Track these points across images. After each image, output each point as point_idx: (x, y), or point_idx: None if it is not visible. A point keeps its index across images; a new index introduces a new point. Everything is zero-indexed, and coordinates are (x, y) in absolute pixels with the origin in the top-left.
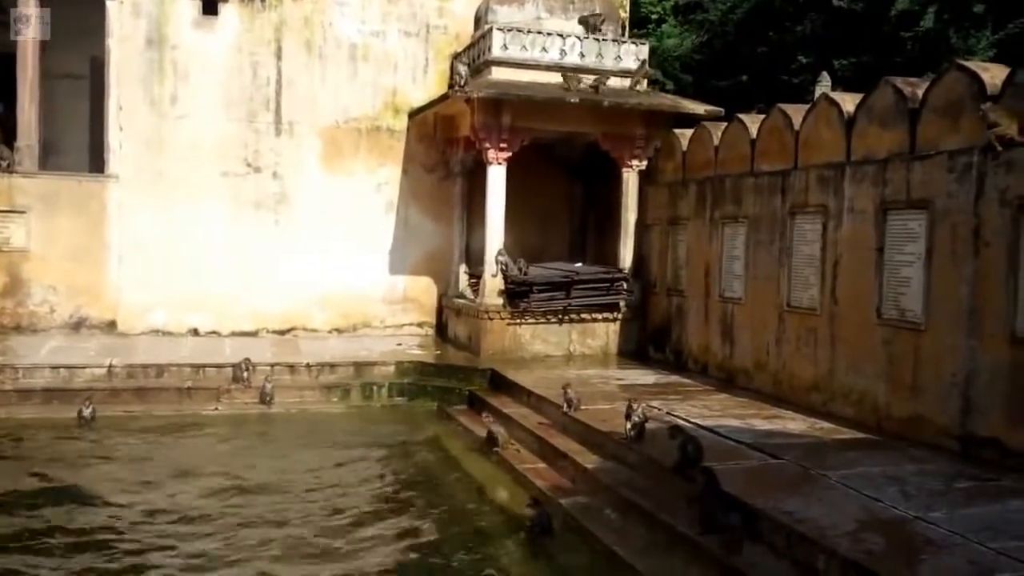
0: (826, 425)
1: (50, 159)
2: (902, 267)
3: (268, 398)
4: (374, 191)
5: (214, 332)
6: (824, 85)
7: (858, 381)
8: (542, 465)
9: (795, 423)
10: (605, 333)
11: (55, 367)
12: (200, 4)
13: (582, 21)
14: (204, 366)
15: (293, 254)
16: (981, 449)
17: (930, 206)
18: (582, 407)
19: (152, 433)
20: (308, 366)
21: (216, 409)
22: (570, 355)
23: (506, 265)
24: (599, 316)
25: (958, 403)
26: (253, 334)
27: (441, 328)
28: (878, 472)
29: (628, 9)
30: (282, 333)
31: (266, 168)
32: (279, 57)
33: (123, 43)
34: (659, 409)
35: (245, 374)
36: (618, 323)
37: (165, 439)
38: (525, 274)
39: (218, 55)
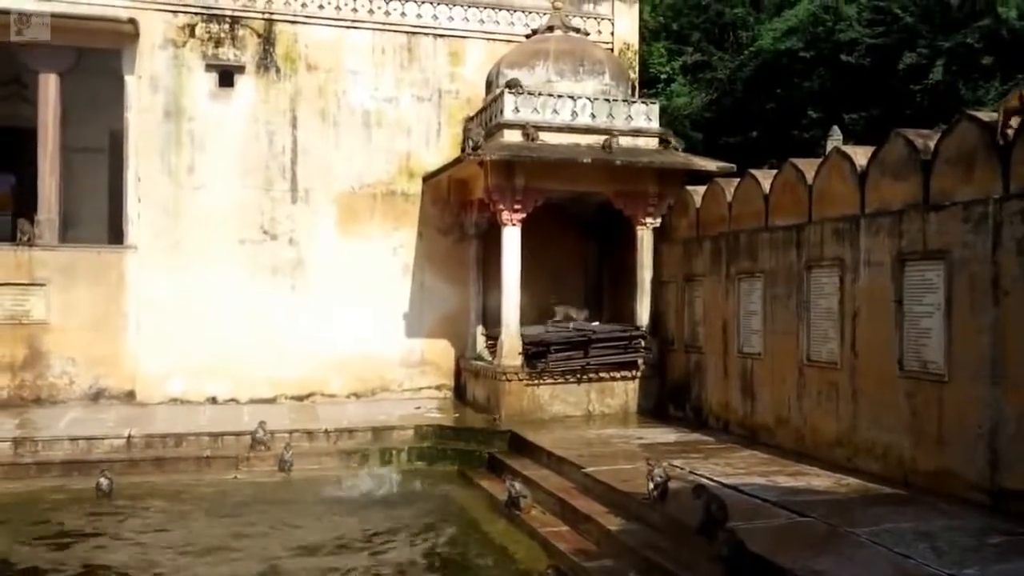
0: (852, 481)
1: (69, 231)
2: (922, 318)
3: (287, 465)
4: (390, 255)
5: (232, 399)
6: (835, 139)
7: (882, 435)
8: (564, 528)
9: (820, 479)
10: (624, 392)
11: (74, 439)
12: (217, 76)
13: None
14: (223, 434)
15: (310, 319)
16: (1011, 503)
17: (947, 256)
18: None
19: (170, 502)
20: (326, 432)
21: (235, 477)
22: (589, 415)
23: (568, 317)
24: (617, 375)
25: (985, 455)
26: (271, 400)
27: (459, 390)
28: (908, 528)
29: (638, 70)
30: (300, 399)
31: (282, 235)
32: (294, 126)
33: (141, 116)
34: (681, 468)
35: (264, 438)
36: (637, 381)
37: (184, 508)
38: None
39: (234, 125)
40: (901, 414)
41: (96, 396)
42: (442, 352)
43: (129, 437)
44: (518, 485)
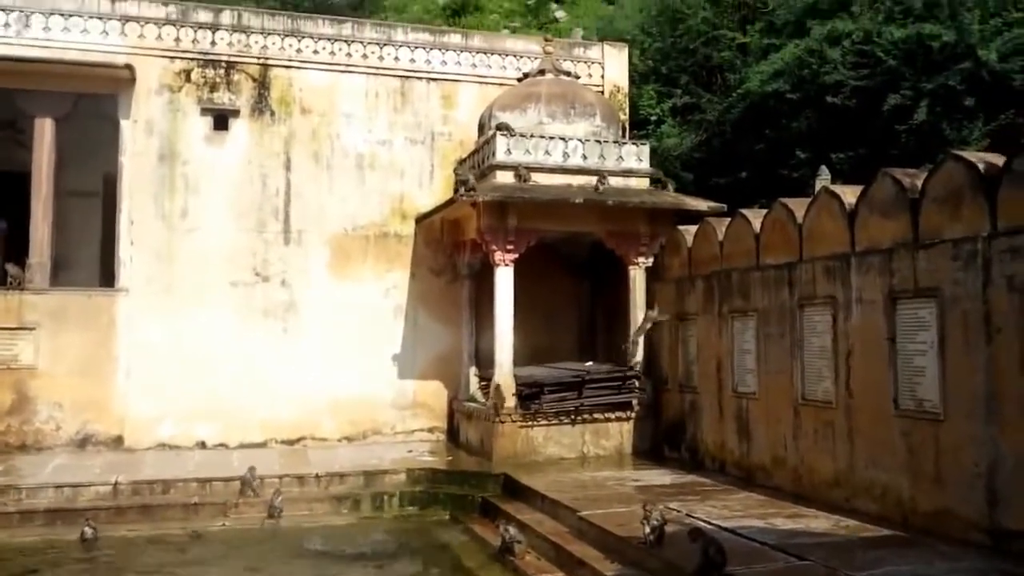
0: (851, 522)
1: (61, 274)
2: (915, 356)
3: (277, 512)
4: (382, 296)
5: (222, 444)
6: (823, 178)
7: (880, 475)
8: (560, 574)
9: (818, 521)
10: (619, 433)
11: (59, 486)
12: (212, 120)
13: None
14: (211, 480)
15: (301, 362)
16: (1012, 542)
17: (939, 294)
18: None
19: (156, 551)
20: (317, 477)
21: (223, 525)
22: (584, 457)
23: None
24: (612, 416)
25: (983, 495)
26: (262, 445)
27: (452, 433)
28: (908, 571)
29: (628, 112)
30: (291, 443)
31: (275, 277)
32: (288, 168)
33: (136, 160)
34: (678, 511)
35: (254, 482)
36: (631, 422)
37: (168, 557)
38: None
39: (228, 168)
40: (898, 454)
41: (83, 442)
42: (435, 394)
43: (116, 484)
44: (512, 530)
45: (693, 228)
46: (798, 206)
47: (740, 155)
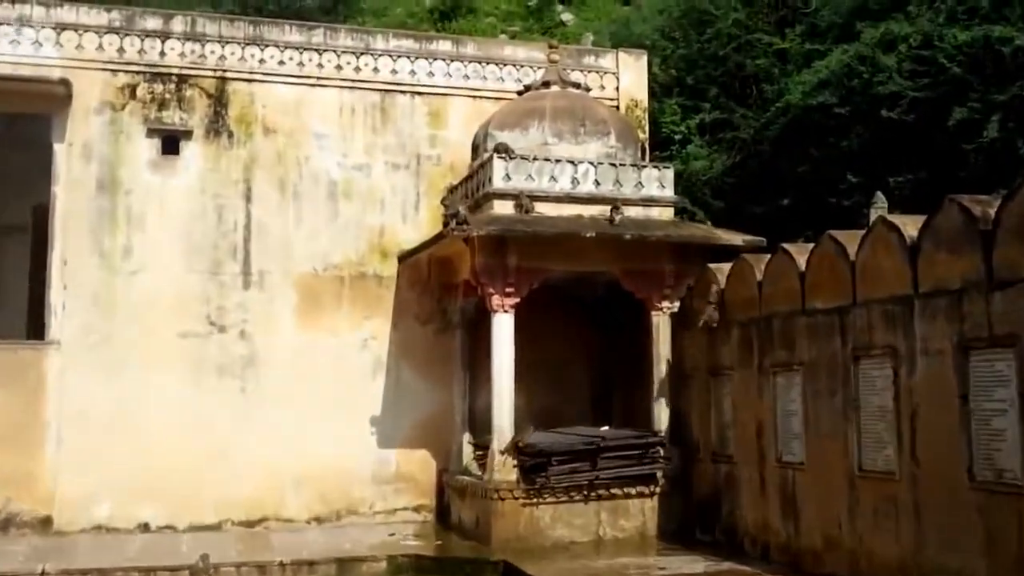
0: None
1: None
2: (993, 417)
3: None
4: (359, 349)
5: (169, 526)
6: (879, 207)
7: (953, 559)
8: None
9: None
10: (640, 511)
11: None
12: (160, 143)
13: None
14: (155, 569)
15: (263, 428)
16: None
17: (1018, 343)
18: None
19: None
20: (282, 565)
21: None
22: (600, 540)
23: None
24: (632, 491)
25: None
26: (216, 527)
27: (442, 512)
28: None
29: (648, 130)
30: (250, 525)
31: (232, 326)
32: (248, 199)
33: (71, 189)
34: None
35: (207, 572)
36: (655, 498)
37: None
38: None
39: (179, 199)
40: (974, 533)
41: (4, 524)
42: (421, 465)
43: (42, 573)
44: None
45: (727, 266)
46: (850, 240)
47: (780, 179)
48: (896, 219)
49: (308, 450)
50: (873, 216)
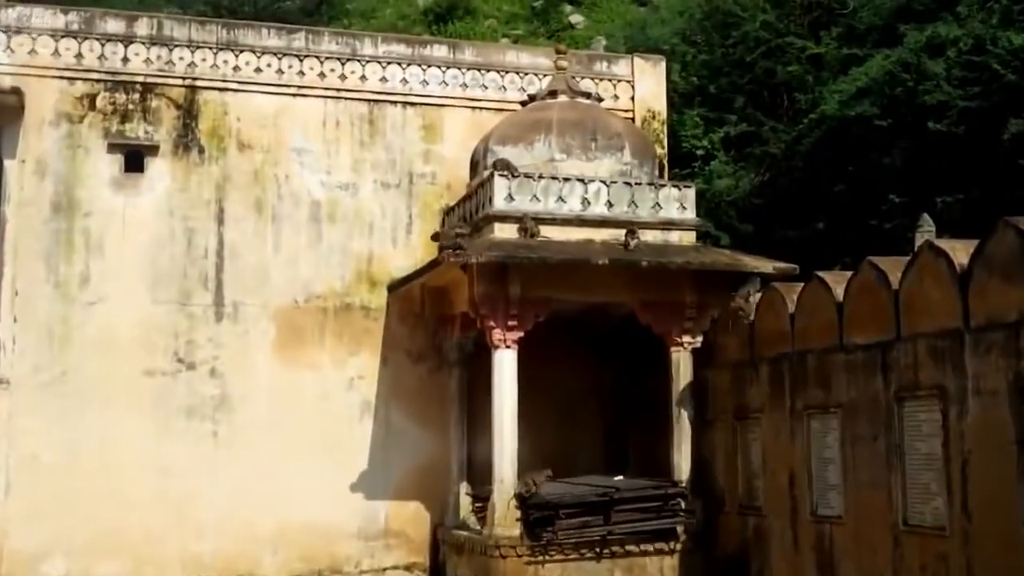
0: None
1: None
2: None
3: None
4: (344, 389)
5: None
6: (926, 230)
7: None
8: None
9: None
10: (659, 570)
11: None
12: (122, 159)
13: None
14: None
15: (237, 477)
16: None
17: None
18: None
19: None
20: None
21: None
22: None
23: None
24: (650, 547)
25: None
26: None
27: (437, 571)
28: None
29: (667, 144)
30: None
31: (202, 364)
32: (221, 221)
33: (23, 210)
34: None
35: None
36: (676, 556)
37: None
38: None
39: (143, 222)
40: None
41: None
42: (414, 518)
43: None
44: None
45: (755, 297)
46: (893, 267)
47: (814, 200)
48: (944, 244)
49: (287, 502)
50: (919, 240)
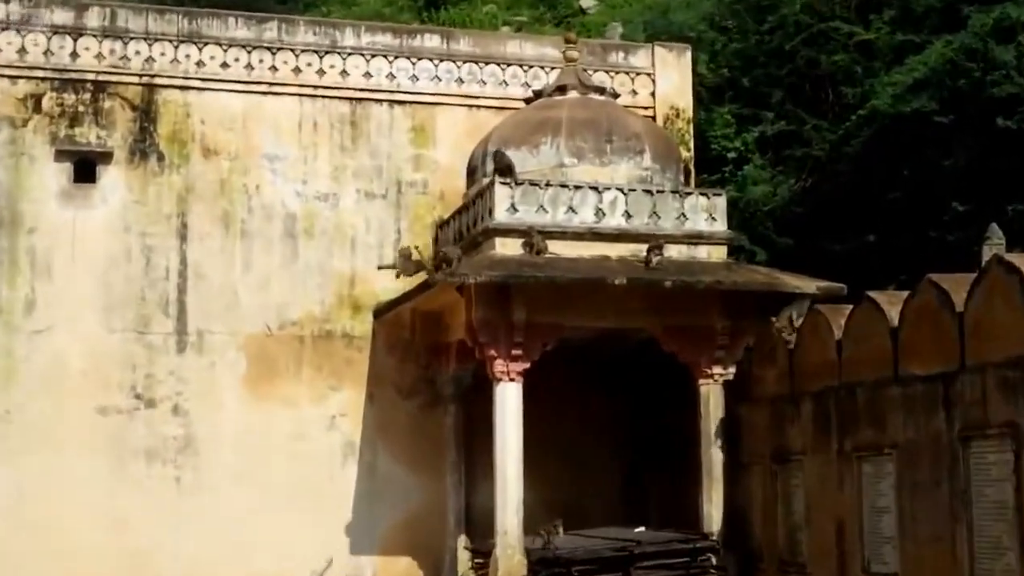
0: None
1: None
2: None
3: None
4: (324, 428)
5: None
6: (995, 243)
7: None
8: None
9: None
10: None
11: None
12: (71, 168)
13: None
14: None
15: (202, 528)
16: None
17: None
18: None
19: None
20: None
21: None
22: None
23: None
24: None
25: None
26: None
27: None
28: None
29: (693, 146)
30: None
31: (163, 400)
32: (183, 238)
33: None
34: None
35: None
36: None
37: None
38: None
39: (95, 239)
40: None
41: None
42: None
43: None
44: None
45: (799, 321)
46: (957, 286)
47: (864, 209)
48: (1017, 259)
49: (259, 557)
50: (987, 255)
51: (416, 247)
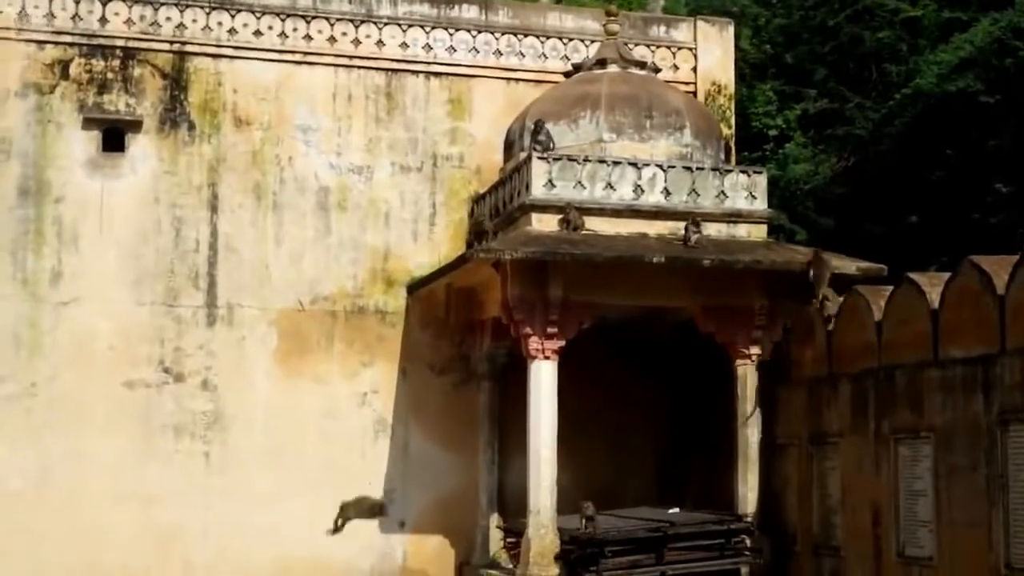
0: None
1: None
2: None
3: None
4: (356, 405)
5: None
6: None
7: None
8: None
9: None
10: None
11: None
12: (100, 136)
13: None
14: None
15: (230, 506)
16: None
17: None
18: None
19: None
20: None
21: None
22: None
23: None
24: None
25: None
26: None
27: None
28: None
29: (734, 124)
30: None
31: (192, 374)
32: (214, 209)
33: None
34: None
35: None
36: None
37: None
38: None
39: (124, 210)
40: None
41: None
42: (436, 555)
43: None
44: None
45: (837, 302)
46: (999, 268)
47: (907, 189)
48: None
49: (288, 535)
50: None
51: None
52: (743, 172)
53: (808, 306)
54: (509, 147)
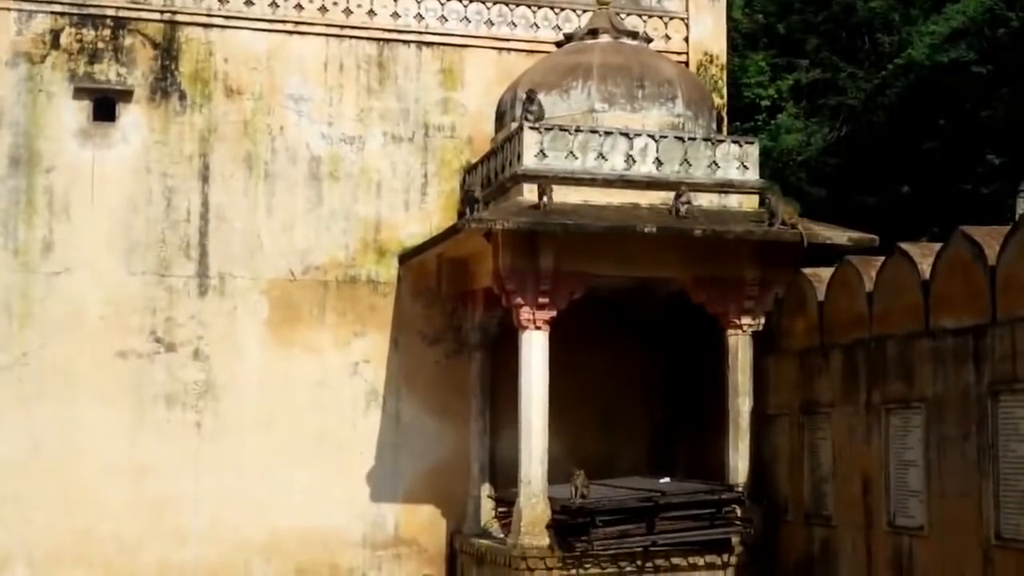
0: None
1: None
2: None
3: None
4: (348, 375)
5: None
6: None
7: None
8: None
9: None
10: None
11: None
12: (91, 106)
13: None
14: None
15: (222, 475)
16: None
17: None
18: None
19: None
20: None
21: None
22: None
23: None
24: (700, 561)
25: None
26: None
27: None
28: None
29: (726, 94)
30: None
31: (184, 344)
32: (205, 179)
33: None
34: None
35: None
36: (730, 570)
37: None
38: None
39: (115, 179)
40: None
41: None
42: (428, 525)
43: None
44: None
45: (827, 272)
46: (990, 239)
47: (898, 160)
48: None
49: (281, 505)
50: (1020, 207)
51: None
52: (735, 142)
53: (799, 277)
54: (501, 117)
